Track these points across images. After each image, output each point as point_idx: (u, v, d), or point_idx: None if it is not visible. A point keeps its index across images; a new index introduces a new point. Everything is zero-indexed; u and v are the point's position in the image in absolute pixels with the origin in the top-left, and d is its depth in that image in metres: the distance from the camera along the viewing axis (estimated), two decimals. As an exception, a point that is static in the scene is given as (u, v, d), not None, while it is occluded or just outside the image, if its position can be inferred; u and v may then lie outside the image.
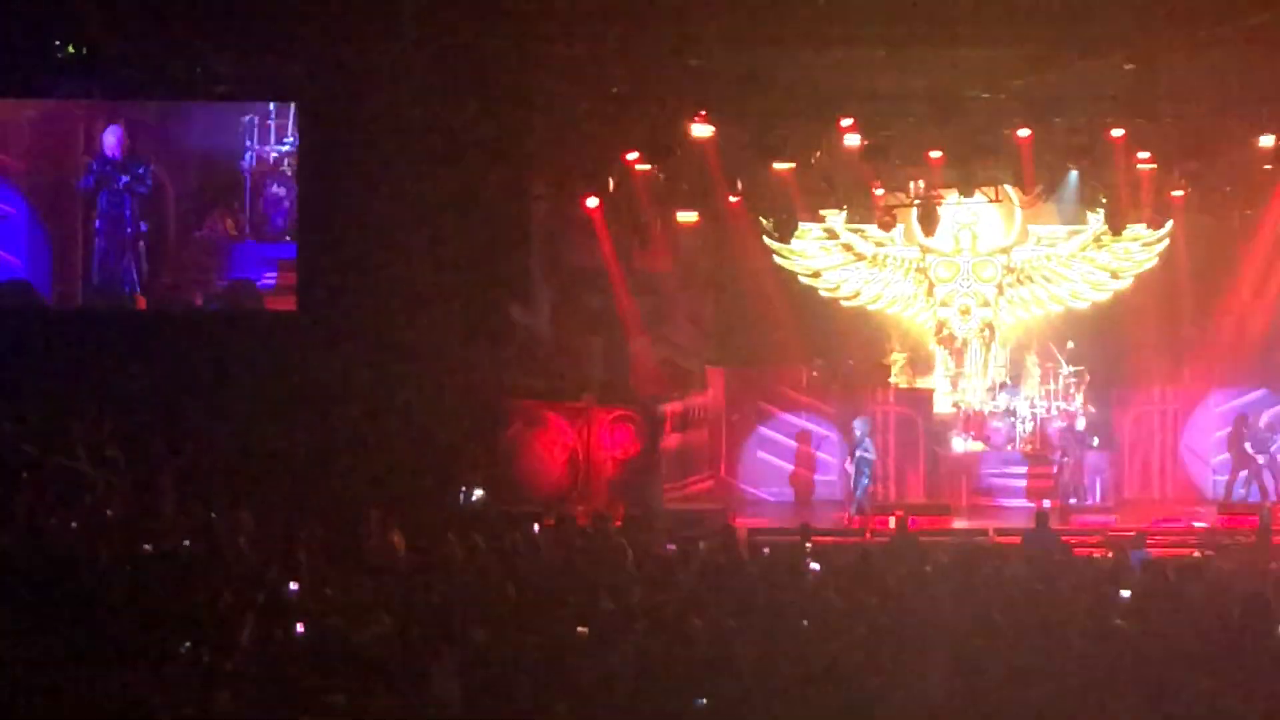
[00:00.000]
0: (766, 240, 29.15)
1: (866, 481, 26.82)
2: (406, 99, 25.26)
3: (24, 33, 24.05)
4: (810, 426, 28.34)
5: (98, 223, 25.69)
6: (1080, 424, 28.23)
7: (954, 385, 29.68)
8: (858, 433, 27.04)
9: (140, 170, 25.65)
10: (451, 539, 21.09)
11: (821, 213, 29.15)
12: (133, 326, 25.43)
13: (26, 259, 25.69)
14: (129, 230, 25.68)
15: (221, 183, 26.17)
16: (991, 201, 28.92)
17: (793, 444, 28.30)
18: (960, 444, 28.73)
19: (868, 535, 25.15)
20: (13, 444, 21.99)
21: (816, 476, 28.42)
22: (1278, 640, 17.02)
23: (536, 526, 22.94)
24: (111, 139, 25.66)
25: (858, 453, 26.92)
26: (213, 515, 20.78)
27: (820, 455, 28.40)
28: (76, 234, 25.79)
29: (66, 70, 24.45)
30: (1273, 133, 27.31)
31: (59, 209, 25.87)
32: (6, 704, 13.29)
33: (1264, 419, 27.86)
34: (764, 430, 28.32)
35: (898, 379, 29.46)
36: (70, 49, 23.95)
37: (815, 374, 29.10)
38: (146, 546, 18.88)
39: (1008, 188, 28.84)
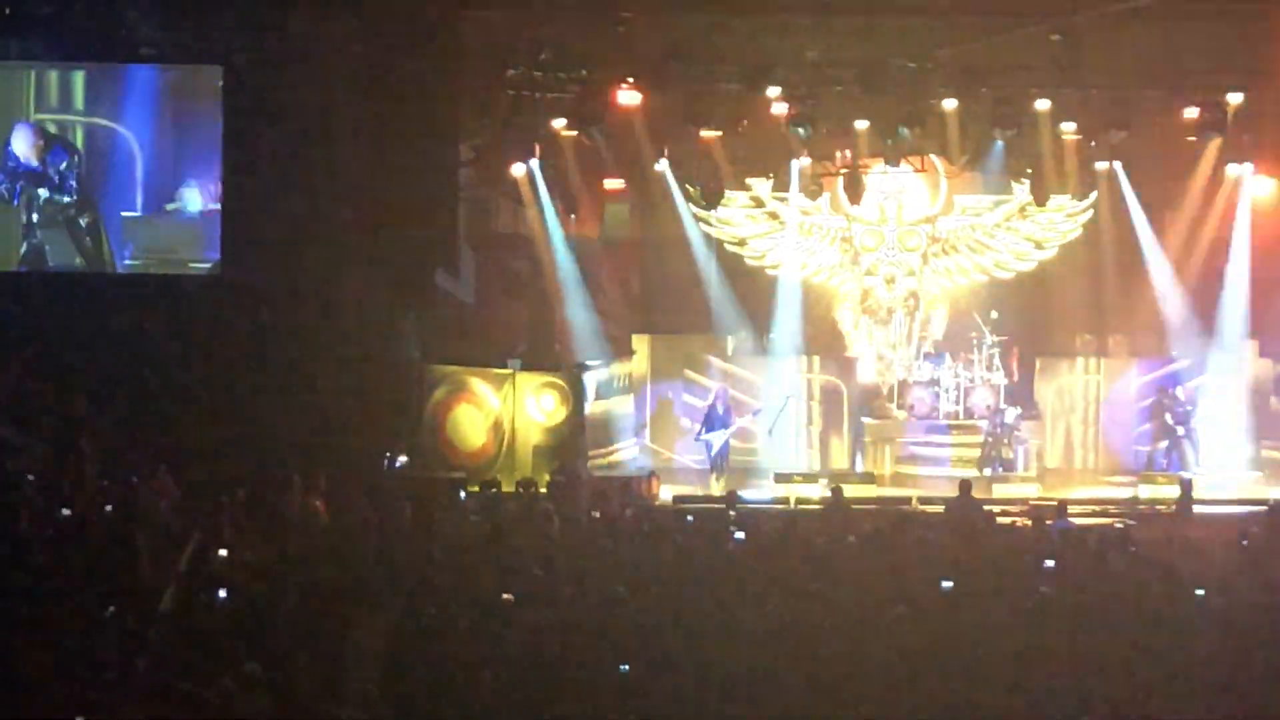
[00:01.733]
0: (692, 208, 29.09)
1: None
2: (332, 63, 25.14)
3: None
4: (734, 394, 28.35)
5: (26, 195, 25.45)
6: (1003, 394, 28.33)
7: (878, 355, 29.70)
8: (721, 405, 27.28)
9: (59, 173, 25.35)
10: (372, 505, 21.08)
11: (748, 181, 29.14)
12: (58, 293, 25.21)
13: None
14: (68, 200, 25.42)
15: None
16: (917, 171, 28.95)
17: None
18: (884, 413, 28.76)
19: (790, 504, 25.22)
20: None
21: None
22: (1193, 607, 17.16)
23: (462, 493, 22.91)
24: (22, 144, 25.35)
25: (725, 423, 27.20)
26: (134, 480, 20.69)
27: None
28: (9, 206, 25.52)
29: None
30: (1197, 105, 27.45)
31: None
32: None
33: (1185, 390, 28.01)
34: (688, 397, 28.29)
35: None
36: (-3, 9, 23.74)
37: (739, 342, 29.08)
38: (66, 511, 18.76)
39: (934, 157, 28.88)
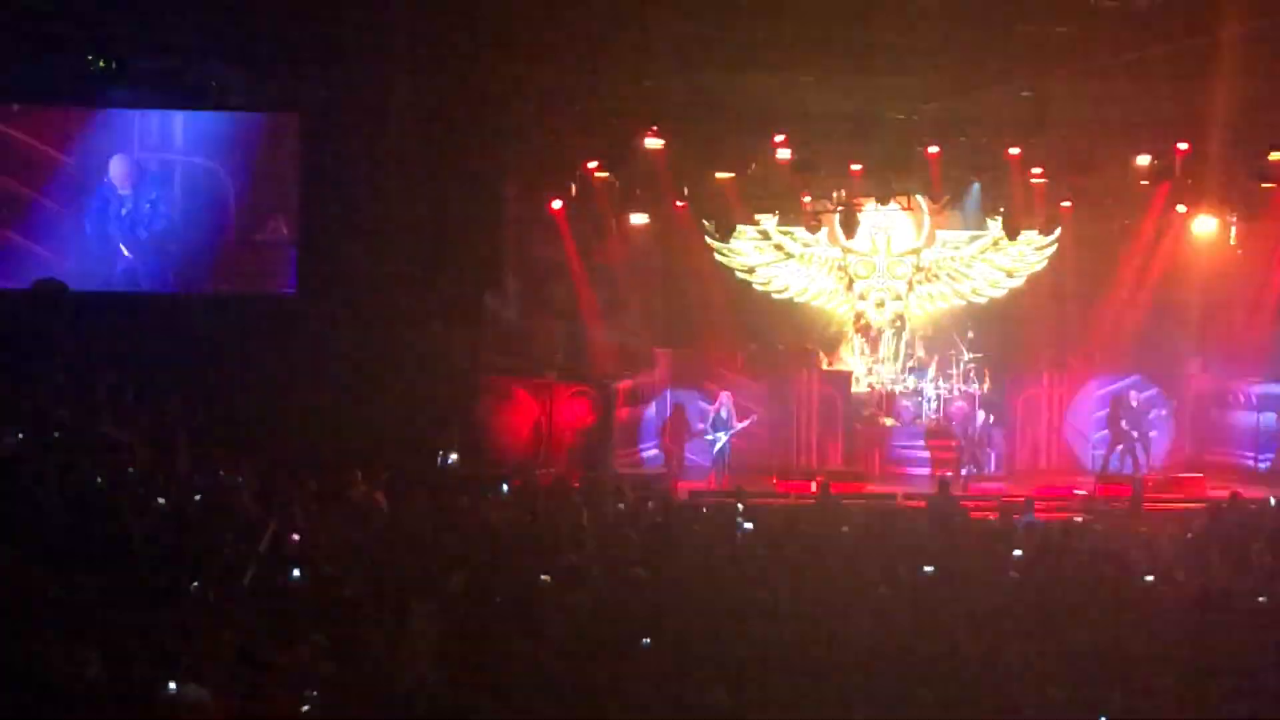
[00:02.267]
0: (708, 240, 29.12)
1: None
2: (396, 112, 25.19)
3: (63, 49, 23.89)
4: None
5: (133, 224, 25.50)
6: (978, 404, 28.32)
7: (869, 369, 29.69)
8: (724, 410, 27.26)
9: (150, 202, 25.42)
10: (427, 497, 21.09)
11: (757, 216, 29.13)
12: (156, 310, 25.27)
13: (56, 249, 25.42)
14: (149, 232, 25.46)
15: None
16: (904, 209, 28.97)
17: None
18: (874, 420, 28.74)
19: (792, 498, 25.19)
20: (48, 411, 21.89)
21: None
22: (1143, 591, 17.16)
23: (505, 487, 22.91)
24: (118, 174, 25.42)
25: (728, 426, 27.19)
26: (221, 474, 20.72)
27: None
28: (114, 234, 25.56)
29: (99, 81, 24.27)
30: (1148, 153, 27.43)
31: (99, 211, 25.61)
32: (42, 631, 13.25)
33: (1137, 400, 27.97)
34: (703, 404, 28.28)
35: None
36: (102, 63, 23.75)
37: (748, 356, 29.10)
38: (160, 500, 18.81)
39: (919, 197, 28.87)
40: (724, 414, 27.34)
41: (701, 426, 27.44)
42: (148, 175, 25.49)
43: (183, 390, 23.77)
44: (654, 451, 27.91)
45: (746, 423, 27.58)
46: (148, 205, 25.42)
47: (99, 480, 19.22)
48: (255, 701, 12.46)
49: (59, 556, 15.67)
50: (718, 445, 27.15)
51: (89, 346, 24.18)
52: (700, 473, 27.19)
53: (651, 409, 28.16)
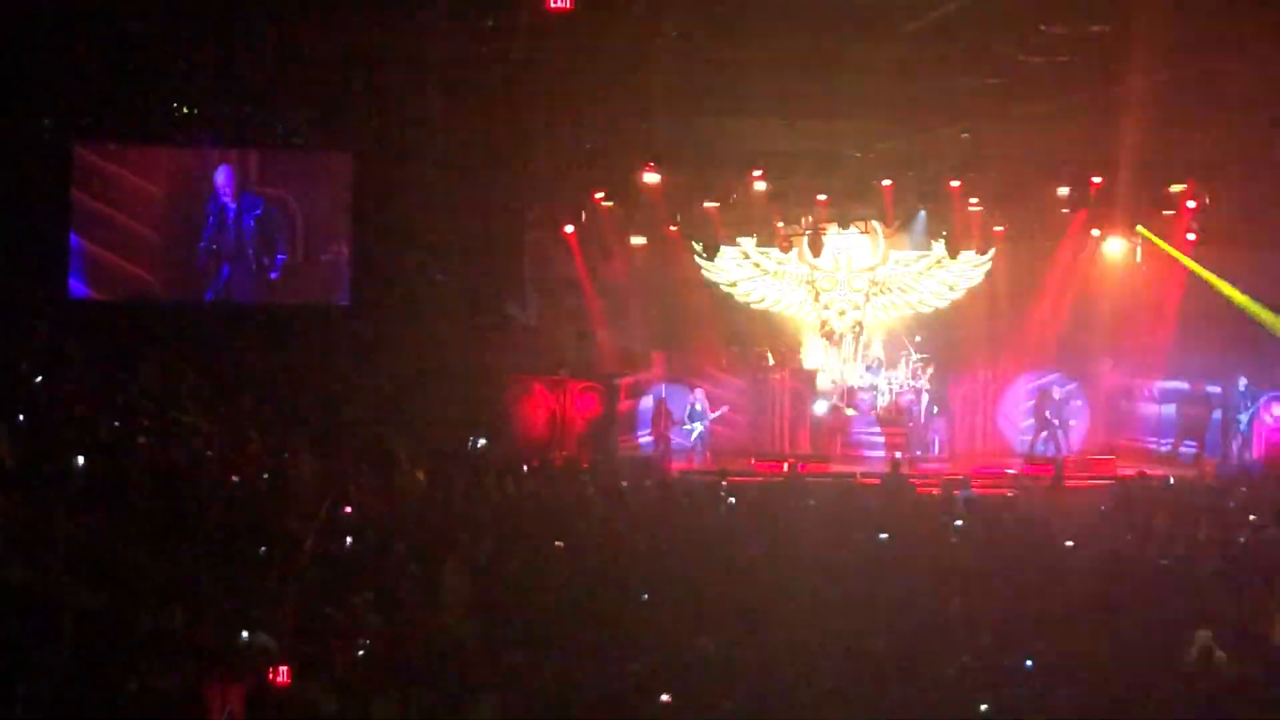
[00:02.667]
0: (697, 258, 29.08)
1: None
2: (433, 149, 25.17)
3: (150, 98, 23.88)
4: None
5: (214, 244, 25.43)
6: (924, 397, 28.29)
7: (833, 367, 29.61)
8: (699, 403, 27.24)
9: (249, 202, 25.38)
10: (461, 476, 21.05)
11: (738, 239, 29.08)
12: (231, 318, 25.28)
13: (151, 271, 25.40)
14: (244, 249, 25.41)
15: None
16: (862, 232, 28.90)
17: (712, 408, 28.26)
18: (837, 409, 28.67)
19: (765, 477, 25.15)
20: (138, 405, 21.88)
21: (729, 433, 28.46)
22: (1061, 555, 17.15)
23: (525, 468, 22.87)
24: (221, 178, 25.40)
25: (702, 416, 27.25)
26: (285, 456, 20.70)
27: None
28: (197, 253, 25.48)
29: (181, 125, 24.25)
30: (1067, 185, 27.44)
31: (185, 233, 25.54)
32: (133, 590, 13.25)
33: (1058, 394, 27.94)
34: (686, 397, 28.22)
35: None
36: (184, 109, 23.73)
37: (731, 357, 29.07)
38: (235, 478, 18.79)
39: (874, 223, 28.82)
40: (699, 406, 27.38)
41: (680, 417, 27.44)
42: (244, 190, 25.43)
43: (255, 384, 23.75)
44: (649, 438, 27.85)
45: (718, 413, 27.57)
46: (250, 219, 25.36)
47: (181, 461, 19.21)
48: (317, 648, 12.45)
49: (148, 526, 15.67)
50: (695, 433, 27.16)
51: (176, 350, 24.20)
52: (684, 455, 27.16)
53: (647, 402, 28.09)
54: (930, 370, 28.72)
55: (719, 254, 28.92)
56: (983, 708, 11.51)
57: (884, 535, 17.45)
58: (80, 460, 18.00)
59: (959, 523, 18.76)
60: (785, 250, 29.04)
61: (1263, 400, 26.35)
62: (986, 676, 12.21)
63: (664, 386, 27.96)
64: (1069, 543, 17.54)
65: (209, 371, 23.82)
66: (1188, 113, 23.62)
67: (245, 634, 12.08)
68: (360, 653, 12.44)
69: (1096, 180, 27.12)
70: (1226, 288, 27.18)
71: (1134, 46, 17.97)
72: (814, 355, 29.63)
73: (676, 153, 26.38)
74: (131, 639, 12.00)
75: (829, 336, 29.71)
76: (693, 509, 19.55)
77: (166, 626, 12.35)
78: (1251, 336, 27.12)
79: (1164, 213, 27.92)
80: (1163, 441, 27.82)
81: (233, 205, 25.34)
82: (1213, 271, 27.70)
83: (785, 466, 25.44)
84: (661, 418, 27.35)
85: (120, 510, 16.22)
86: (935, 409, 28.15)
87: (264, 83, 23.37)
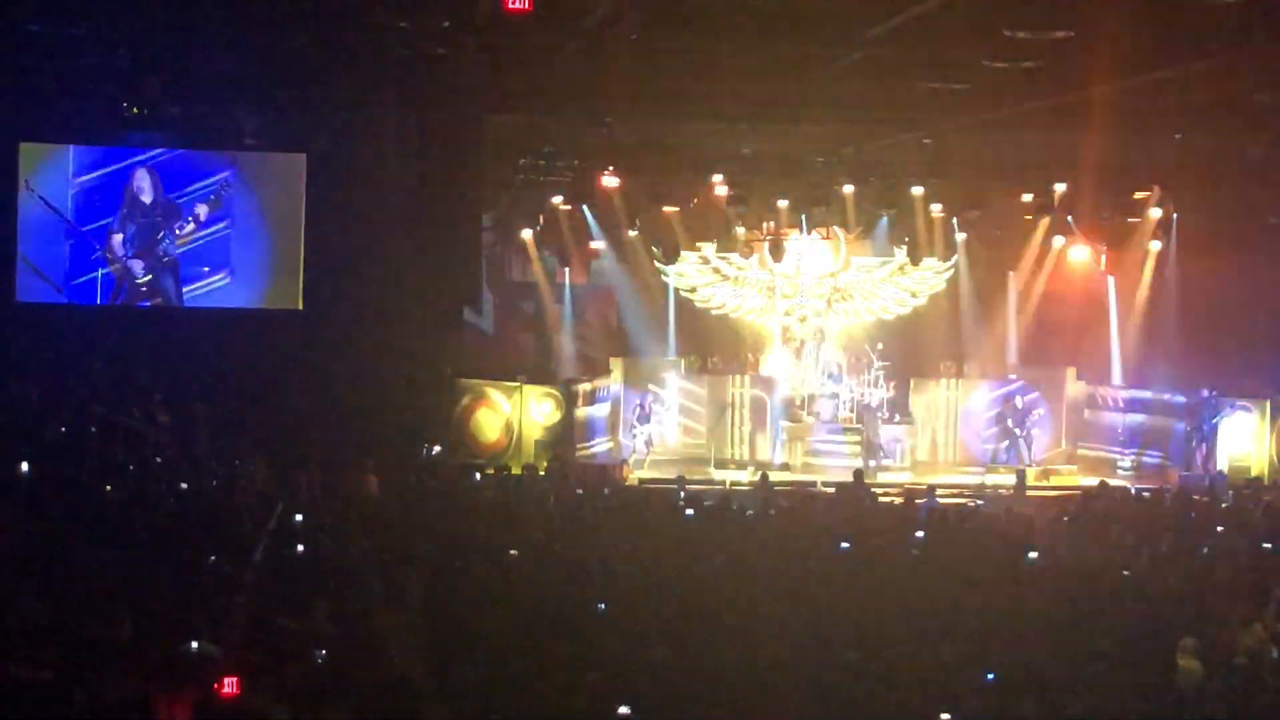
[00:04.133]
0: (656, 264, 29.10)
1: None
2: (387, 152, 25.11)
3: (100, 99, 23.74)
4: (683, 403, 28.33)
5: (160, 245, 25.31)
6: (886, 404, 28.36)
7: (793, 374, 29.66)
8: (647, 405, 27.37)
9: (197, 202, 25.23)
10: (414, 483, 21.02)
11: (698, 244, 29.10)
12: (181, 321, 25.17)
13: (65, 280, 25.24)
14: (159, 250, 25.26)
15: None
16: (824, 238, 28.97)
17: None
18: (797, 417, 28.72)
19: (726, 485, 25.17)
20: (85, 408, 21.77)
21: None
22: (1026, 565, 17.21)
23: (478, 475, 22.85)
24: (144, 183, 25.24)
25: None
26: (236, 463, 20.63)
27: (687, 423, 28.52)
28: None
29: (132, 126, 24.11)
30: (1031, 192, 27.59)
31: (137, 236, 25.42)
32: (81, 595, 13.20)
33: (1021, 403, 28.05)
34: (649, 404, 28.27)
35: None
36: (135, 110, 23.57)
37: (690, 363, 29.09)
38: (184, 484, 18.71)
39: (836, 228, 28.89)
40: (646, 409, 27.45)
41: (628, 418, 27.54)
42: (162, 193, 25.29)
43: (203, 390, 23.65)
44: (607, 445, 27.86)
45: (659, 417, 27.64)
46: (167, 231, 25.22)
47: (130, 467, 19.14)
48: (267, 658, 12.40)
49: (95, 533, 15.59)
50: (641, 437, 27.21)
51: (125, 353, 24.10)
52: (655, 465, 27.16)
53: (605, 409, 28.09)
54: (892, 378, 28.80)
55: (679, 259, 28.95)
56: (944, 718, 11.55)
57: (845, 545, 17.48)
58: (24, 467, 17.92)
59: (920, 534, 18.80)
60: (746, 256, 29.08)
61: (1225, 410, 26.53)
62: (948, 688, 12.25)
63: (627, 393, 27.97)
64: (1033, 554, 17.61)
65: (159, 375, 23.73)
66: (1153, 120, 23.77)
67: (194, 643, 12.03)
68: (319, 662, 12.38)
69: (1060, 187, 27.27)
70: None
71: (1099, 53, 18.05)
72: (774, 362, 29.69)
73: (636, 156, 26.41)
74: (79, 648, 11.93)
75: (789, 343, 29.76)
76: (649, 517, 19.55)
77: (114, 635, 12.29)
78: (1216, 347, 27.30)
79: (1127, 220, 28.08)
80: (1125, 451, 27.95)
81: (177, 206, 25.20)
82: (1178, 278, 27.93)
83: (747, 474, 25.46)
84: (616, 422, 27.44)
85: (67, 517, 16.14)
86: (896, 417, 28.23)
87: (218, 83, 23.26)
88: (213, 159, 25.29)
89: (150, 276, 25.22)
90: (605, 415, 27.96)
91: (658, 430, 27.54)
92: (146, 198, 25.16)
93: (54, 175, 24.93)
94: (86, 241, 24.99)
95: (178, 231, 25.17)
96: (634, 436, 27.33)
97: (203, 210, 25.25)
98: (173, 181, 25.22)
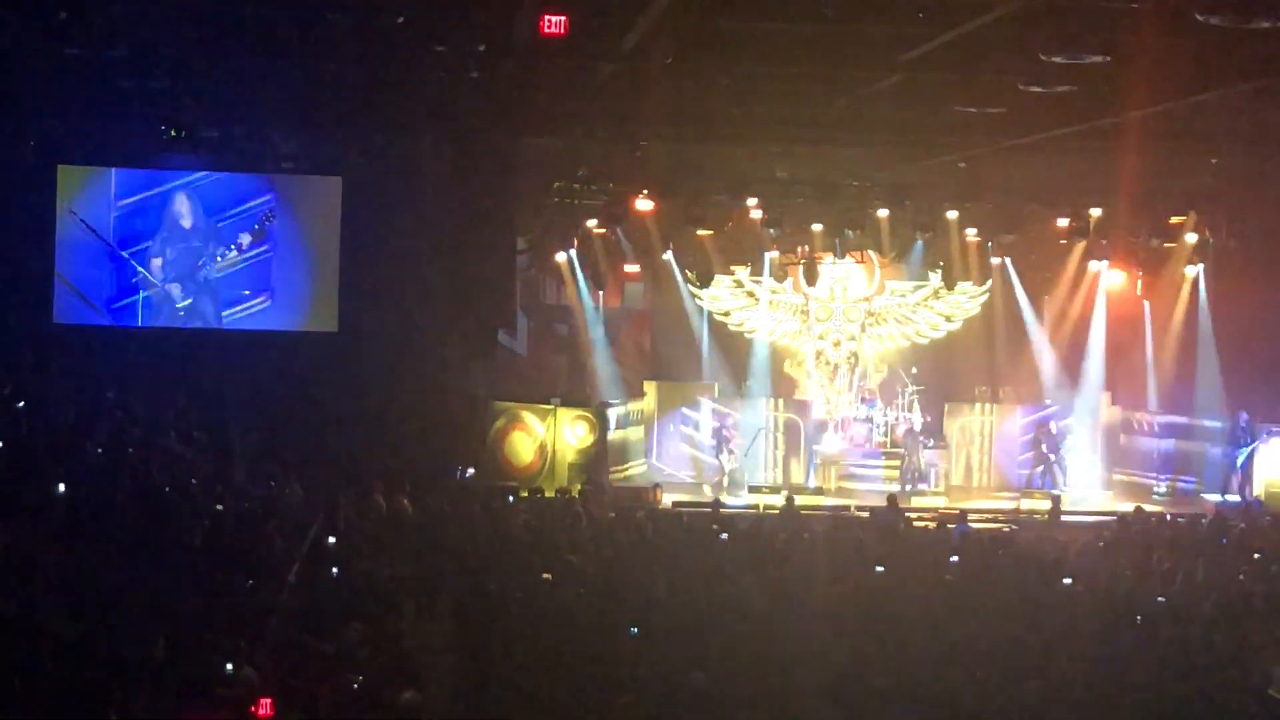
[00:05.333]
0: (690, 287, 29.11)
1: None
2: (424, 175, 25.20)
3: (138, 122, 23.86)
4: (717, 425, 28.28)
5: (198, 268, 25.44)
6: (920, 429, 28.28)
7: (828, 398, 29.64)
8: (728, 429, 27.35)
9: (235, 226, 25.35)
10: (448, 505, 21.01)
11: (732, 267, 29.11)
12: (223, 343, 25.29)
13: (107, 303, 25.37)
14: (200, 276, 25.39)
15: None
16: (858, 262, 28.94)
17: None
18: (832, 441, 28.66)
19: (760, 509, 25.11)
20: (123, 429, 21.86)
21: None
22: (1062, 592, 17.12)
23: (511, 498, 22.85)
24: (183, 208, 25.39)
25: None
26: (272, 484, 20.67)
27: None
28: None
29: (170, 149, 24.23)
30: (1066, 216, 27.50)
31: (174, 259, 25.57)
32: (117, 617, 13.23)
33: (1056, 428, 27.93)
34: (684, 428, 28.26)
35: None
36: (174, 132, 23.69)
37: (723, 387, 29.05)
38: (220, 506, 18.76)
39: (870, 252, 28.85)
40: (728, 433, 27.34)
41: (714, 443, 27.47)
42: (203, 217, 25.43)
43: (239, 413, 23.73)
44: (643, 468, 27.84)
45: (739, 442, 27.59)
46: (207, 256, 25.36)
47: (166, 489, 19.20)
48: (301, 680, 12.41)
49: (131, 555, 15.64)
50: (726, 459, 27.09)
51: (159, 376, 24.22)
52: (686, 488, 27.07)
53: (641, 432, 28.07)
54: (926, 402, 28.71)
55: (713, 283, 28.95)
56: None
57: (879, 569, 17.43)
58: (61, 487, 17.99)
59: (954, 558, 18.74)
60: (780, 279, 29.07)
61: (1263, 437, 26.37)
62: (983, 715, 12.19)
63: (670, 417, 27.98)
64: (1067, 580, 17.52)
65: (195, 398, 23.82)
66: (1188, 144, 23.69)
67: (229, 665, 12.05)
68: (353, 685, 12.39)
69: (1096, 211, 27.18)
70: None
71: (1134, 78, 18.01)
72: (809, 386, 29.66)
73: (670, 180, 26.44)
74: (113, 668, 11.96)
75: (824, 367, 29.72)
76: (684, 541, 19.52)
77: (149, 656, 12.32)
78: (1252, 372, 27.14)
79: (1163, 245, 27.97)
80: (1160, 477, 27.80)
81: (217, 230, 25.33)
82: (1213, 303, 27.80)
83: (779, 499, 25.42)
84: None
85: (103, 538, 16.20)
86: (931, 442, 28.15)
87: (254, 106, 23.37)
88: (252, 183, 25.42)
89: (190, 300, 25.37)
90: (640, 438, 27.96)
91: (740, 454, 27.37)
92: (186, 222, 25.32)
93: (96, 198, 25.12)
94: (127, 265, 25.16)
95: (219, 259, 25.31)
96: (719, 458, 27.24)
97: (245, 239, 25.38)
98: (213, 206, 25.37)
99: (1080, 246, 28.22)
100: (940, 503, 26.14)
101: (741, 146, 25.64)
